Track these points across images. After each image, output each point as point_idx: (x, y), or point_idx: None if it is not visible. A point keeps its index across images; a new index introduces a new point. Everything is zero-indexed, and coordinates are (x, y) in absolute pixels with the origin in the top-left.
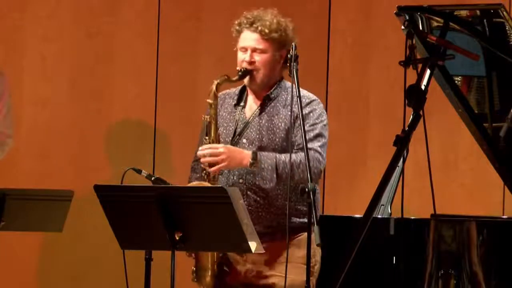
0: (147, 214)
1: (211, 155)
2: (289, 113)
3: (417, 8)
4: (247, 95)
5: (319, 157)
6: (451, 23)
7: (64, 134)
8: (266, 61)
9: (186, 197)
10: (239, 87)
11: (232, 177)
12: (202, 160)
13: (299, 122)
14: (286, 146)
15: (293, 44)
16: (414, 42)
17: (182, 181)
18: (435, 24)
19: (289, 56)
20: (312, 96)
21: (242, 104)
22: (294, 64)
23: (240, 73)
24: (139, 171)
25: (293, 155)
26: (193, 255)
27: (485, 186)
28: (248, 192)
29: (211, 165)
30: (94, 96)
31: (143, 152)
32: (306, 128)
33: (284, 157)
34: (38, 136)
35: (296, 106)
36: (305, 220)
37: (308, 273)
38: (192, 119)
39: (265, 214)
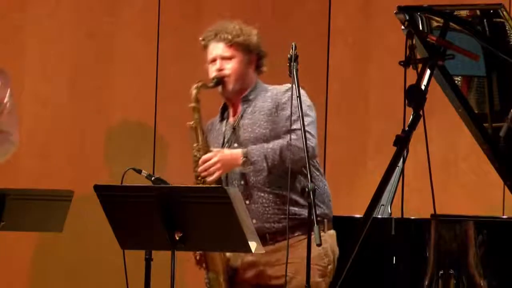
0: (147, 214)
1: (206, 168)
2: (269, 105)
3: (417, 8)
4: (228, 110)
5: (307, 135)
6: (451, 23)
7: (64, 134)
8: (235, 68)
9: (186, 197)
10: (220, 107)
11: (232, 182)
12: (201, 175)
13: (281, 109)
14: (275, 134)
15: (293, 44)
16: (414, 42)
17: (181, 181)
18: (435, 24)
19: (288, 56)
20: (288, 84)
21: (225, 117)
22: (294, 64)
23: (214, 80)
24: (139, 171)
25: (280, 140)
26: (203, 265)
27: (485, 186)
28: (252, 191)
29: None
30: (94, 96)
31: (143, 152)
32: (289, 111)
33: (271, 144)
34: (38, 136)
35: (296, 106)
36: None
37: (309, 273)
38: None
39: (272, 210)
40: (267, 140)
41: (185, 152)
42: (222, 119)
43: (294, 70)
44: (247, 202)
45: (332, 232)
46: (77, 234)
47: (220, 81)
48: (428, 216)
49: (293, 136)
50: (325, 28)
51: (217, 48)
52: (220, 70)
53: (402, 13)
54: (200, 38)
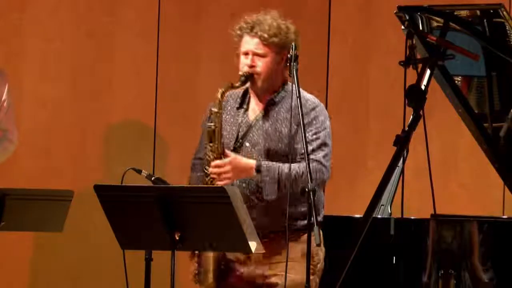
0: (147, 214)
1: (217, 173)
2: (291, 117)
3: (417, 8)
4: (249, 98)
5: (322, 168)
6: (451, 23)
7: (64, 134)
8: (266, 66)
9: (186, 197)
10: (242, 90)
11: (235, 182)
12: (211, 176)
13: (301, 129)
14: (290, 149)
15: (293, 44)
16: (414, 42)
17: (182, 181)
18: (435, 24)
19: (289, 56)
20: (316, 101)
21: (244, 107)
22: (294, 64)
23: (242, 78)
24: (139, 171)
25: (296, 165)
26: (195, 258)
27: (485, 186)
28: (252, 197)
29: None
30: (94, 96)
31: (143, 152)
32: (310, 136)
33: (286, 168)
34: (38, 136)
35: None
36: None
37: (308, 273)
38: (192, 119)
39: (268, 219)
40: (279, 151)
41: (185, 152)
42: (240, 106)
43: (294, 70)
44: (246, 207)
45: (320, 232)
46: (77, 234)
47: (249, 78)
48: (428, 216)
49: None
50: (325, 28)
51: (251, 43)
52: (251, 66)
53: (402, 13)
54: (236, 27)
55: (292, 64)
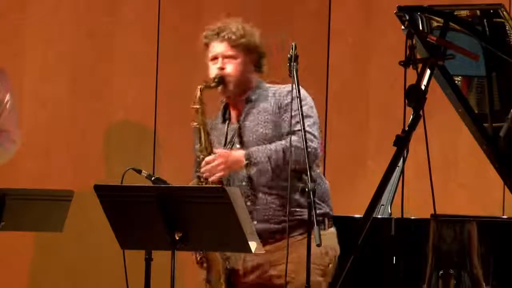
0: (147, 214)
1: (209, 169)
2: (271, 106)
3: (417, 8)
4: (229, 110)
5: (310, 136)
6: (451, 23)
7: (64, 134)
8: (237, 68)
9: (186, 197)
10: (222, 106)
11: (234, 183)
12: (204, 175)
13: (284, 111)
14: (278, 135)
15: (293, 44)
16: (414, 42)
17: (181, 181)
18: (435, 24)
19: (288, 56)
20: (290, 85)
21: (227, 118)
22: (294, 64)
23: (216, 79)
24: (139, 171)
25: (283, 141)
26: (204, 265)
27: (485, 186)
28: (254, 192)
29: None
30: (94, 96)
31: (143, 152)
32: (292, 112)
33: (274, 146)
34: (38, 136)
35: (296, 105)
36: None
37: (308, 273)
38: (191, 119)
39: (273, 211)
40: (269, 140)
41: (185, 152)
42: (223, 120)
43: (294, 70)
44: (250, 203)
45: (333, 230)
46: (77, 234)
47: (221, 80)
48: (428, 216)
49: (295, 138)
50: (325, 28)
51: (219, 47)
52: (222, 68)
53: (402, 13)
54: (203, 34)
55: (292, 64)
